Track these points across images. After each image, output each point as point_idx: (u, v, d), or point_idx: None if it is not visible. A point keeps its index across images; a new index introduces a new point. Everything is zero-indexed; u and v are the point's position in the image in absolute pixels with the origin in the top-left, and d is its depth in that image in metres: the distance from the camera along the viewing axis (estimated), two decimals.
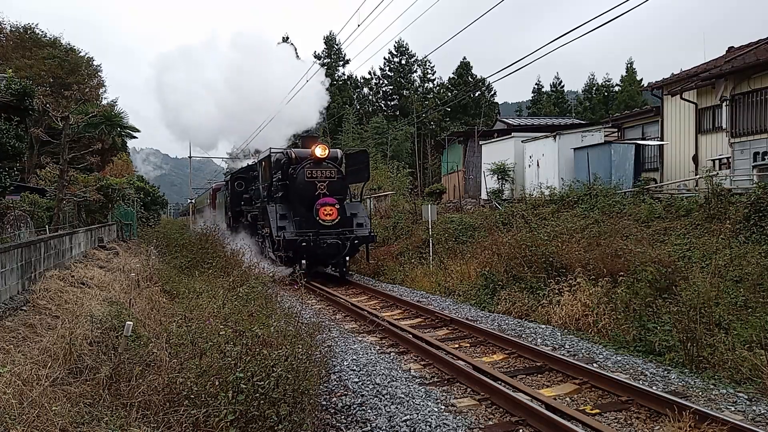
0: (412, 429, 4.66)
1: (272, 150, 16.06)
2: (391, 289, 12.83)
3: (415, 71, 56.09)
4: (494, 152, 22.99)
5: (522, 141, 21.75)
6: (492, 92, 52.87)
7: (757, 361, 5.63)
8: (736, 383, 5.63)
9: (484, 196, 22.91)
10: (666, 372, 6.03)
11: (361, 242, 14.16)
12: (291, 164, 14.56)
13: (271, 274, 11.77)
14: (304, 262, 13.06)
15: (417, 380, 6.06)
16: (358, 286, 13.57)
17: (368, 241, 14.37)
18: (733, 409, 5.02)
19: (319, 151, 14.05)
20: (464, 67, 52.65)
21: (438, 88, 54.87)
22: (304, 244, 13.09)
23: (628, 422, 4.91)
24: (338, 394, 5.61)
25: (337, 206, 13.68)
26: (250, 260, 12.01)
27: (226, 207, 23.53)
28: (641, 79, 50.14)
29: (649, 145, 19.40)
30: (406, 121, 44.08)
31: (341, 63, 54.99)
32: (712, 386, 5.57)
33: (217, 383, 4.02)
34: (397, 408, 5.11)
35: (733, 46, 18.85)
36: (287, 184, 14.55)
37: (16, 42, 35.78)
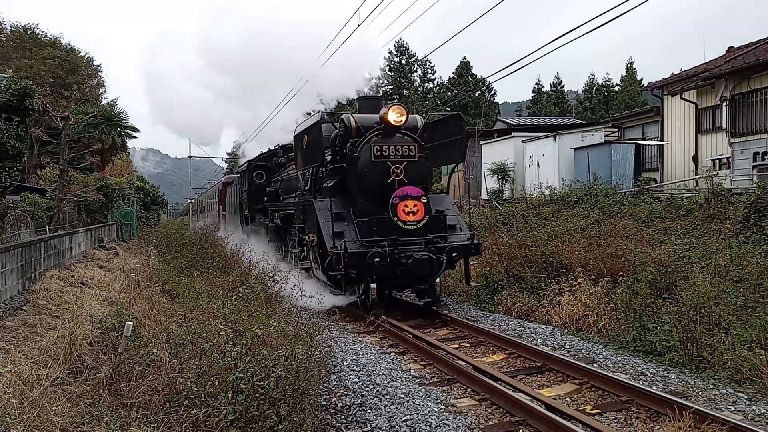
0: (412, 429, 4.67)
1: (323, 115, 11.11)
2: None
3: (415, 71, 56.13)
4: (494, 152, 22.99)
5: (522, 141, 21.76)
6: (492, 92, 52.88)
7: (757, 361, 5.63)
8: (736, 383, 5.63)
9: (484, 196, 22.91)
10: (666, 372, 6.03)
11: (461, 255, 9.26)
12: (349, 137, 9.72)
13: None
14: (373, 286, 8.74)
15: (417, 380, 6.06)
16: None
17: (470, 254, 9.39)
18: (732, 408, 5.02)
19: (394, 115, 9.22)
20: (464, 67, 52.64)
21: (438, 87, 54.87)
22: (377, 259, 8.45)
23: (628, 422, 4.91)
24: (338, 394, 5.62)
25: (424, 200, 8.99)
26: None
27: (242, 205, 18.66)
28: (641, 79, 50.16)
29: (649, 145, 19.42)
30: None
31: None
32: (712, 386, 5.57)
33: (217, 383, 4.02)
34: (397, 408, 5.11)
35: (733, 46, 18.86)
36: (343, 167, 9.78)
37: (16, 42, 35.82)
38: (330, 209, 9.11)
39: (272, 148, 17.06)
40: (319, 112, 10.12)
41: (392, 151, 9.38)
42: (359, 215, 9.25)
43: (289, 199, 13.05)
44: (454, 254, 9.09)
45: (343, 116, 10.20)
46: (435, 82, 56.19)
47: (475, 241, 9.45)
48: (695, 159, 17.37)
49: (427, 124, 10.55)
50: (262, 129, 21.28)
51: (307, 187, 11.04)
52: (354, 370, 6.33)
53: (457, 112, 10.50)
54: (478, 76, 51.68)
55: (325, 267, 9.44)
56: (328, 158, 10.28)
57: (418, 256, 8.58)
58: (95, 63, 40.90)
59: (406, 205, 8.92)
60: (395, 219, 8.83)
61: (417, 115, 10.64)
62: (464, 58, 52.89)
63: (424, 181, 9.61)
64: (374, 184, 9.30)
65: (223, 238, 15.32)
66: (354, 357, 6.89)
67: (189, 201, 47.42)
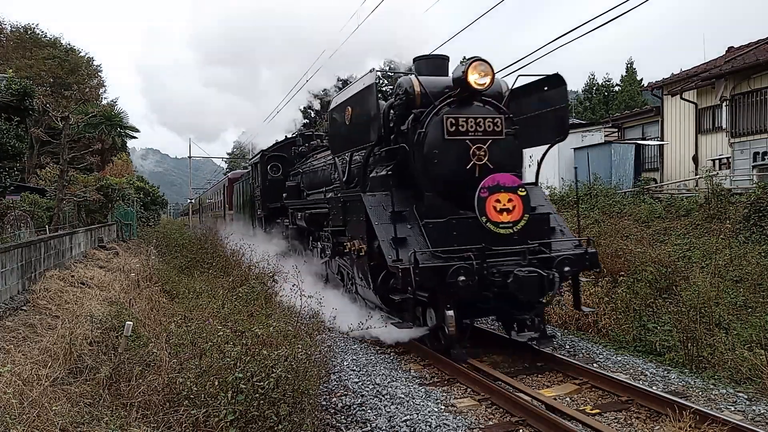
0: (412, 429, 4.67)
1: (378, 74, 7.45)
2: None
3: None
4: None
5: None
6: None
7: (757, 361, 5.63)
8: (736, 383, 5.63)
9: None
10: (666, 372, 6.03)
11: (573, 270, 6.70)
12: (411, 107, 7.22)
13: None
14: (450, 314, 6.06)
15: (417, 380, 6.06)
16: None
17: (584, 267, 6.89)
18: (732, 408, 5.02)
19: (476, 75, 6.69)
20: None
21: None
22: (462, 278, 5.91)
23: (628, 422, 4.91)
24: (338, 394, 5.62)
25: (522, 192, 6.60)
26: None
27: (254, 203, 16.15)
28: (641, 79, 50.09)
29: (649, 145, 19.43)
30: None
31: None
32: (712, 386, 5.57)
33: (216, 383, 4.02)
34: (397, 408, 5.11)
35: (733, 46, 18.87)
36: (404, 148, 7.18)
37: (16, 42, 35.84)
38: (391, 206, 6.65)
39: (289, 136, 14.93)
40: (371, 70, 6.84)
41: (471, 126, 6.82)
42: (427, 214, 6.73)
43: (316, 195, 10.62)
44: (566, 269, 6.52)
45: (401, 79, 7.50)
46: None
47: (591, 249, 6.82)
48: (695, 159, 17.37)
49: (513, 91, 7.78)
50: (269, 120, 20.47)
51: (345, 178, 8.45)
52: (354, 370, 6.33)
53: (556, 73, 7.46)
54: None
55: (379, 286, 7.00)
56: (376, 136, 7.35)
57: (523, 274, 5.99)
58: (95, 63, 40.97)
59: (498, 200, 6.45)
60: (483, 219, 6.37)
61: (501, 79, 7.91)
62: (464, 58, 52.84)
63: (513, 167, 7.04)
64: (448, 172, 6.77)
65: (230, 241, 13.59)
66: (354, 357, 6.89)
67: (189, 201, 47.34)
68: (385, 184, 7.19)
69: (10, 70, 17.85)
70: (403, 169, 7.25)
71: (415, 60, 8.02)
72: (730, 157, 15.73)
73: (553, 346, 6.97)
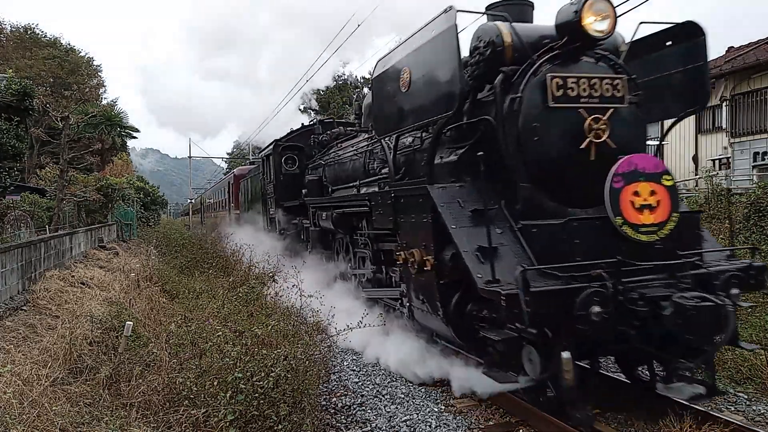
0: (412, 429, 4.67)
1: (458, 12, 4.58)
2: None
3: None
4: None
5: None
6: None
7: (757, 361, 5.64)
8: (736, 383, 5.63)
9: None
10: None
11: (742, 292, 4.49)
12: (500, 64, 4.96)
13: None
14: (566, 357, 3.90)
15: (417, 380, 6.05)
16: None
17: (749, 287, 4.70)
18: (732, 409, 5.03)
19: (594, 18, 4.53)
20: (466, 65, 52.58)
21: None
22: (596, 308, 3.78)
23: (628, 422, 4.91)
24: (338, 394, 5.62)
25: (668, 180, 4.52)
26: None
27: (266, 202, 14.08)
28: None
29: (648, 145, 19.43)
30: None
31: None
32: None
33: (216, 383, 4.03)
34: (397, 408, 5.11)
35: (733, 46, 18.88)
36: (487, 122, 5.02)
37: (16, 42, 35.89)
38: (480, 202, 4.69)
39: (306, 123, 13.43)
40: (447, 9, 4.65)
41: (584, 89, 4.80)
42: (524, 214, 4.69)
43: (344, 190, 8.89)
44: (734, 291, 4.42)
45: (481, 28, 5.29)
46: None
47: (756, 262, 4.82)
48: (695, 159, 17.39)
49: (633, 44, 5.45)
50: (270, 117, 19.87)
51: (393, 160, 6.29)
52: (354, 370, 6.33)
53: (689, 20, 5.58)
54: None
55: (452, 312, 4.90)
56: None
57: (692, 303, 3.96)
58: (95, 63, 41.01)
59: (637, 192, 4.47)
60: (618, 221, 4.39)
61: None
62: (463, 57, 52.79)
63: (638, 147, 4.98)
64: (553, 152, 4.80)
65: (231, 242, 12.80)
66: (354, 357, 6.89)
67: (189, 201, 47.28)
68: (460, 171, 5.28)
69: (10, 70, 17.87)
70: (483, 151, 4.99)
71: (488, 8, 5.71)
72: (730, 157, 15.75)
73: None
